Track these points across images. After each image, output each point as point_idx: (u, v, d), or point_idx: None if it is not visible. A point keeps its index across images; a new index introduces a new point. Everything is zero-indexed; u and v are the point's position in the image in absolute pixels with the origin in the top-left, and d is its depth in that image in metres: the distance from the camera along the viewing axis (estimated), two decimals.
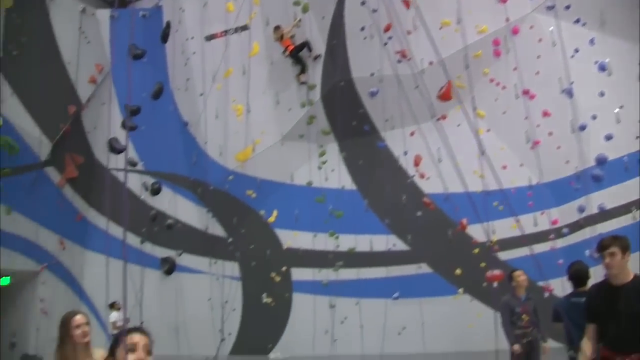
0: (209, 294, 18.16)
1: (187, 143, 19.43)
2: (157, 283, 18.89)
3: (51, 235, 18.05)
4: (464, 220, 15.16)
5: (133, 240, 17.81)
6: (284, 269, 18.16)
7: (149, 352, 2.67)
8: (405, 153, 16.31)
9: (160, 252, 19.11)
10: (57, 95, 17.97)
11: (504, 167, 15.36)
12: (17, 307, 17.90)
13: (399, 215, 17.05)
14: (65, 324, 4.64)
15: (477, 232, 15.63)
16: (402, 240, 17.65)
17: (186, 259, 19.01)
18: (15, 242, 16.34)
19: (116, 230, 18.53)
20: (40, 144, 17.66)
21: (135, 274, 18.41)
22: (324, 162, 16.37)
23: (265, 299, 18.08)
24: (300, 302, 17.68)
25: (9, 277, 16.86)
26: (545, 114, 16.03)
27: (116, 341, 2.73)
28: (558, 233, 16.04)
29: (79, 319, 4.67)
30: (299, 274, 18.01)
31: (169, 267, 18.99)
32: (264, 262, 18.23)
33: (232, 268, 18.54)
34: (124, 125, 16.68)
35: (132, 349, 2.68)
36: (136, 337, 2.73)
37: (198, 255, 18.88)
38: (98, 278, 17.96)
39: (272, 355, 17.75)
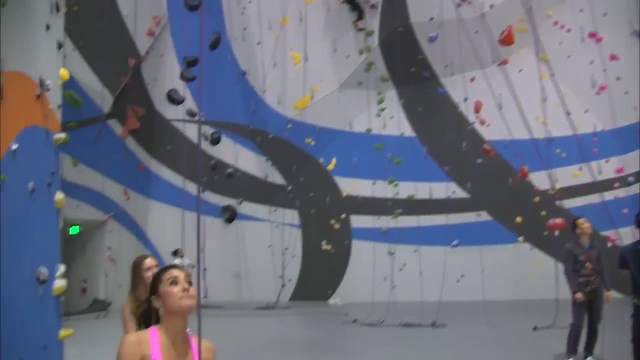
0: (270, 241, 18.51)
1: (245, 92, 19.54)
2: (218, 231, 19.31)
3: (116, 186, 18.56)
4: (525, 168, 14.86)
5: (193, 188, 18.20)
6: (343, 216, 18.32)
7: (190, 283, 2.81)
8: (466, 99, 15.97)
9: (221, 200, 19.47)
10: (117, 49, 18.19)
11: (568, 113, 14.91)
12: (86, 255, 18.59)
13: (459, 162, 16.85)
14: (137, 267, 4.83)
15: (538, 179, 15.39)
16: (461, 187, 17.54)
17: (246, 207, 19.36)
18: (82, 193, 16.85)
19: (178, 180, 19.06)
20: (102, 97, 18.00)
21: (198, 222, 18.84)
22: (382, 109, 16.18)
23: (325, 246, 18.31)
24: (360, 249, 17.87)
25: (77, 227, 17.47)
26: (613, 57, 15.39)
27: (157, 278, 2.83)
28: (623, 182, 15.60)
29: (149, 261, 4.86)
30: (358, 221, 18.16)
31: (230, 215, 19.36)
32: (323, 209, 18.42)
33: (291, 215, 18.82)
34: (182, 76, 16.78)
35: (175, 281, 2.78)
36: (175, 272, 2.82)
37: (258, 203, 19.20)
38: (161, 226, 18.62)
39: (331, 301, 18.09)
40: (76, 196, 15.95)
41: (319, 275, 18.29)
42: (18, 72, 5.12)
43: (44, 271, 5.72)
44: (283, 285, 18.26)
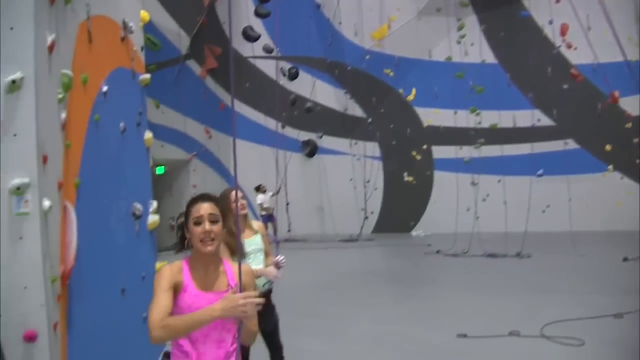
0: (351, 174, 18.62)
1: (321, 25, 19.30)
2: (299, 166, 19.53)
3: (197, 125, 18.94)
4: (616, 93, 14.12)
5: (274, 125, 18.35)
6: (424, 147, 18.12)
7: (213, 221, 2.71)
8: (551, 22, 15.17)
9: (301, 135, 19.61)
10: None
11: None
12: (172, 193, 19.25)
13: (544, 88, 16.19)
14: (225, 199, 5.02)
15: (630, 104, 14.66)
16: (547, 115, 16.91)
17: (327, 141, 19.44)
18: (166, 134, 17.19)
19: (257, 117, 19.28)
20: (179, 38, 18.19)
21: (279, 157, 19.14)
22: (463, 36, 15.57)
23: (407, 177, 18.26)
24: (442, 179, 17.66)
25: (163, 167, 18.01)
26: None
27: (187, 209, 2.77)
28: None
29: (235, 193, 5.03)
30: (440, 151, 17.91)
31: (311, 150, 19.51)
32: (404, 140, 18.26)
33: (372, 148, 18.79)
34: (257, 13, 16.68)
35: (198, 221, 2.70)
36: (202, 209, 2.72)
37: (338, 137, 19.23)
38: (243, 163, 18.93)
39: (414, 232, 18.15)
40: (160, 137, 16.29)
41: (401, 207, 18.32)
42: (103, 15, 5.22)
43: (138, 207, 5.98)
44: (365, 218, 18.44)
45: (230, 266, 2.84)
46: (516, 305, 8.22)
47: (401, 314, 8.34)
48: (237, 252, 2.67)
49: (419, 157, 18.01)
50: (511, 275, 10.77)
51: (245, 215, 5.11)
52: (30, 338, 3.41)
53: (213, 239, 2.70)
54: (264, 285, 4.97)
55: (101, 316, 3.71)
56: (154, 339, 2.53)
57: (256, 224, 5.21)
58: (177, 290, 2.69)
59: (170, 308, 2.63)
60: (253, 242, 5.03)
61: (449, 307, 8.60)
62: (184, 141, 18.14)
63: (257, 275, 4.91)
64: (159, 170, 17.70)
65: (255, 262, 4.98)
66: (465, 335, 6.84)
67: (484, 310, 8.14)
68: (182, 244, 2.86)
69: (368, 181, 18.41)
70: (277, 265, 4.88)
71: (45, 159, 3.61)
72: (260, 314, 4.99)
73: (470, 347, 6.56)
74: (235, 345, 2.78)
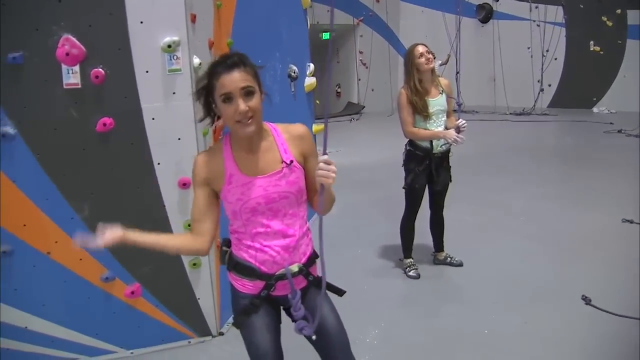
0: (529, 42, 17.31)
1: None
2: (473, 32, 18.51)
3: None
4: None
5: None
6: (618, 11, 16.18)
7: (248, 94, 2.13)
8: None
9: None
10: None
11: None
12: (339, 60, 19.30)
13: None
14: (409, 55, 4.91)
15: None
16: None
17: (504, 5, 17.96)
18: None
19: None
20: None
21: (451, 22, 18.21)
22: None
23: (593, 47, 16.61)
24: (636, 50, 15.76)
25: (329, 32, 17.95)
26: None
27: (209, 81, 2.18)
28: None
29: (420, 48, 4.86)
30: (637, 17, 15.91)
31: (486, 14, 18.32)
32: (593, 4, 16.35)
33: (555, 12, 17.16)
34: None
35: (229, 97, 2.13)
36: (229, 81, 2.12)
37: (517, 0, 17.80)
38: (413, 28, 18.31)
39: (595, 109, 16.74)
40: (326, 1, 16.16)
41: (584, 80, 16.77)
42: None
43: (294, 68, 6.03)
44: (541, 91, 17.32)
45: (280, 133, 2.35)
46: None
47: (564, 193, 7.91)
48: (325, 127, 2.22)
49: (610, 24, 16.14)
50: None
51: (432, 72, 4.93)
52: (185, 185, 3.79)
53: (251, 117, 2.17)
54: (441, 146, 4.97)
55: None
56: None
57: (444, 83, 5.04)
58: (218, 182, 2.29)
59: (206, 206, 2.32)
60: (437, 103, 4.95)
61: (619, 191, 7.93)
62: (351, 6, 17.81)
63: (436, 136, 4.86)
64: (325, 36, 17.75)
65: (436, 124, 4.93)
66: (631, 221, 6.36)
67: None
68: (210, 116, 2.35)
69: (547, 50, 17.08)
70: (458, 129, 4.78)
71: (193, 18, 3.68)
72: (429, 174, 5.01)
73: (636, 233, 6.09)
74: (305, 228, 2.38)
